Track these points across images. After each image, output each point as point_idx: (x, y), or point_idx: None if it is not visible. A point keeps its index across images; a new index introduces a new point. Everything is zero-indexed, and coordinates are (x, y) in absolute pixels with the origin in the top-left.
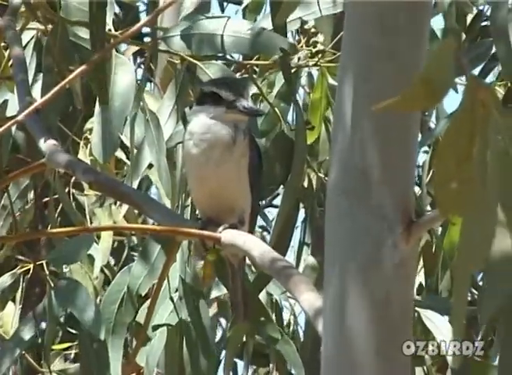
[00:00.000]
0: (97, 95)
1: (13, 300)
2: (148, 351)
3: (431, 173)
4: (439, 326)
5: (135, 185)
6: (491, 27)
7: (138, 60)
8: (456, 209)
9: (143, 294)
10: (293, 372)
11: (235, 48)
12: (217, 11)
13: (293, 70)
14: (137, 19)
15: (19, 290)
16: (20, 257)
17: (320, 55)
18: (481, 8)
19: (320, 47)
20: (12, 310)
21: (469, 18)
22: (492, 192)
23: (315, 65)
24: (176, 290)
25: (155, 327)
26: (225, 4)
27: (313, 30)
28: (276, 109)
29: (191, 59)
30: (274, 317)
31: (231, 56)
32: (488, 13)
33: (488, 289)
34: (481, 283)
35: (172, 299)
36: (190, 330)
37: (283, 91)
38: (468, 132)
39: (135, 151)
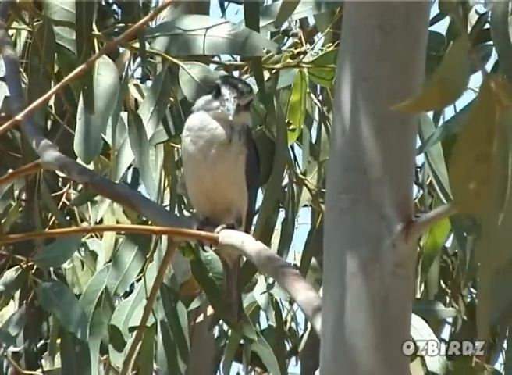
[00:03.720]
0: (83, 103)
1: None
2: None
3: (431, 175)
4: (419, 328)
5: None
6: (490, 25)
7: (138, 60)
8: (474, 208)
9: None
10: None
11: (217, 49)
12: (217, 11)
13: (273, 71)
14: (137, 19)
15: (19, 288)
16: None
17: (301, 57)
18: (482, 11)
19: (301, 48)
20: (13, 308)
21: (471, 21)
22: None
23: (296, 66)
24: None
25: (131, 329)
26: (225, 4)
27: (294, 30)
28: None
29: (173, 59)
30: (274, 316)
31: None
32: (489, 16)
33: (494, 291)
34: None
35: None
36: (167, 331)
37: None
38: (485, 130)
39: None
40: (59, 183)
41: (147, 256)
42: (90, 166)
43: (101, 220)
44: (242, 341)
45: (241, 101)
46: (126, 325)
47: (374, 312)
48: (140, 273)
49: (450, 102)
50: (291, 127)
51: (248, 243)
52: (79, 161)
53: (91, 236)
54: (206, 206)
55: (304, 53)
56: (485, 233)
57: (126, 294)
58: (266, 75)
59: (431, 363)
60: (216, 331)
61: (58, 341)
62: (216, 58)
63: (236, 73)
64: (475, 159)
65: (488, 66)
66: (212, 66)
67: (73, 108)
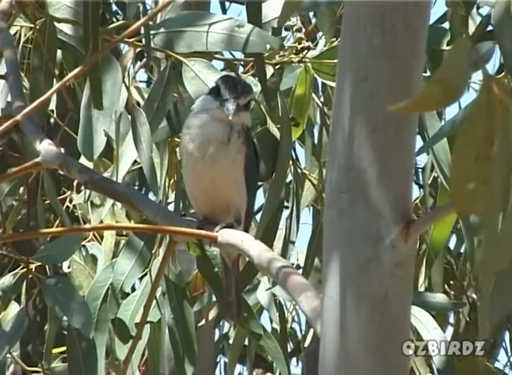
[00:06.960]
0: (92, 98)
1: (16, 300)
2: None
3: (432, 175)
4: (425, 322)
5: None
6: (494, 26)
7: (139, 63)
8: (474, 209)
9: (126, 291)
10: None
11: (220, 45)
12: (218, 11)
13: (277, 67)
14: (137, 19)
15: (22, 290)
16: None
17: (305, 52)
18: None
19: (304, 43)
20: (15, 311)
21: (474, 23)
22: None
23: (300, 61)
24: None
25: (138, 324)
26: (227, 4)
27: (297, 26)
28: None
29: (177, 56)
30: (278, 317)
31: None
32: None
33: (498, 292)
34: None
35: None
36: (173, 327)
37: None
38: (486, 129)
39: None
40: (61, 187)
41: (153, 251)
42: (91, 167)
43: (101, 223)
44: (246, 343)
45: (240, 101)
46: (133, 320)
47: (373, 312)
48: (146, 268)
49: (451, 102)
50: (295, 123)
51: (248, 242)
52: (81, 160)
53: (92, 239)
54: (205, 205)
55: (308, 49)
56: (487, 235)
57: (132, 291)
58: (271, 70)
59: (437, 361)
60: (216, 334)
61: (57, 349)
62: (220, 56)
63: (240, 70)
64: (475, 159)
65: (491, 68)
66: (216, 63)
67: (76, 107)
